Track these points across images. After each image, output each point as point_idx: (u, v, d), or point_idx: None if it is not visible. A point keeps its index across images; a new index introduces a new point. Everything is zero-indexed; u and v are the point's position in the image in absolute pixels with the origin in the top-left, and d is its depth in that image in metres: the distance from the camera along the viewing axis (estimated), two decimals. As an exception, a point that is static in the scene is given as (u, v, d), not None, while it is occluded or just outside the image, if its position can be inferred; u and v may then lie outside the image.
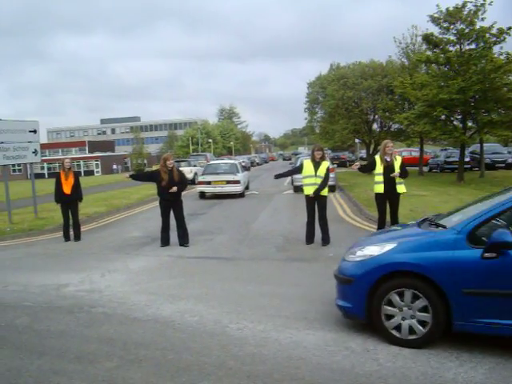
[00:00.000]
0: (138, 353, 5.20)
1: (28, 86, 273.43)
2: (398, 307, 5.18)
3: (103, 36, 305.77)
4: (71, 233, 12.87)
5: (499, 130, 24.27)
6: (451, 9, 23.87)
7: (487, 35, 23.08)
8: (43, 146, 30.20)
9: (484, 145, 29.32)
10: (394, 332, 5.22)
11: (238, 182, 22.80)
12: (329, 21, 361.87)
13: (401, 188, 10.19)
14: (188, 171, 30.14)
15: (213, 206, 19.01)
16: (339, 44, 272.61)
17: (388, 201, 10.35)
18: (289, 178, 27.29)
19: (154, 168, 28.03)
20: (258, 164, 68.13)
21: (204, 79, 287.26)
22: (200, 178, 23.93)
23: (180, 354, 5.12)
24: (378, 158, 10.36)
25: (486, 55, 22.48)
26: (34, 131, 16.61)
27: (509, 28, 22.63)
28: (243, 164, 31.37)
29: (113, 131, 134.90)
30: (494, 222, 5.11)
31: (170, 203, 11.15)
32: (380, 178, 10.21)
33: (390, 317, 5.24)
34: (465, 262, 4.88)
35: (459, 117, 25.89)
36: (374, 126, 40.95)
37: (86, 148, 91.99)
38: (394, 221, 10.28)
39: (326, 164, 10.62)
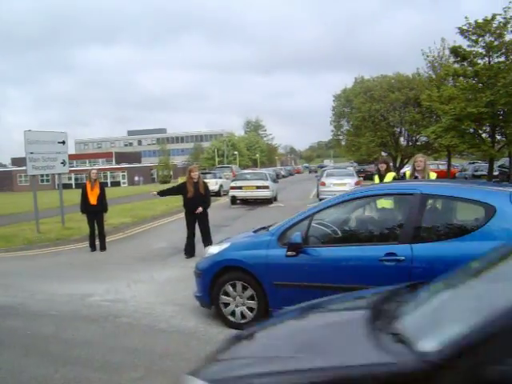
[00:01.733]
0: (163, 363, 5.19)
1: (55, 97, 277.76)
2: (232, 296, 6.28)
3: (129, 47, 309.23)
4: (97, 243, 12.97)
5: (528, 143, 23.93)
6: (480, 21, 23.66)
7: (516, 48, 22.85)
8: (71, 157, 30.54)
9: (513, 159, 28.91)
10: (230, 317, 6.32)
11: (267, 187, 23.89)
12: (355, 33, 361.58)
13: None
14: (214, 183, 30.33)
15: (237, 219, 18.99)
16: (365, 56, 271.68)
17: None
18: (315, 190, 27.34)
19: (180, 180, 28.19)
20: (283, 176, 68.08)
21: (230, 91, 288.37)
22: (232, 184, 25.24)
23: (204, 366, 5.09)
24: (408, 173, 9.97)
25: (514, 68, 22.22)
26: (63, 142, 16.83)
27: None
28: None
29: (139, 143, 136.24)
30: (316, 225, 6.03)
31: (196, 215, 11.18)
32: None
33: (226, 304, 6.33)
34: (274, 259, 5.90)
35: (487, 130, 25.57)
36: (401, 140, 40.67)
37: (113, 159, 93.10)
38: None
39: (390, 175, 10.49)
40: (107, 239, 13.41)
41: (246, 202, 24.80)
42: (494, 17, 23.31)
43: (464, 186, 6.00)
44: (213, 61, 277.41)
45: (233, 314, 6.30)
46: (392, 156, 41.45)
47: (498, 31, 23.24)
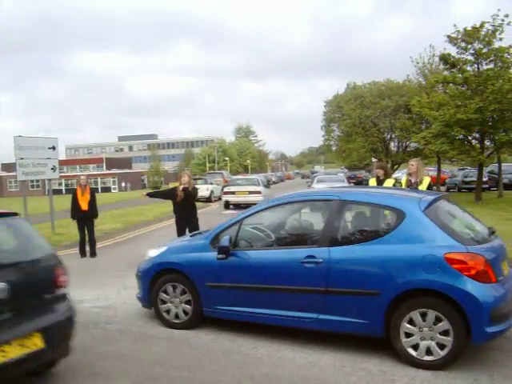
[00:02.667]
0: (154, 370, 5.19)
1: (45, 103, 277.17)
2: (171, 296, 6.57)
3: (120, 53, 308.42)
4: (87, 249, 12.91)
5: (517, 149, 24.07)
6: (469, 29, 23.83)
7: (505, 55, 23.02)
8: (61, 163, 30.38)
9: (502, 164, 29.09)
10: (165, 314, 6.63)
11: (259, 192, 24.89)
12: (346, 39, 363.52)
13: None
14: (204, 189, 30.37)
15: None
16: (357, 62, 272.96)
17: None
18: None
19: (171, 185, 28.26)
20: (274, 182, 68.12)
21: (221, 97, 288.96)
22: (225, 189, 26.20)
23: (195, 373, 5.10)
24: (404, 178, 9.88)
25: (503, 75, 22.36)
26: (53, 148, 16.79)
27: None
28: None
29: (130, 148, 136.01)
30: (247, 229, 6.46)
31: (186, 221, 11.14)
32: None
33: (163, 302, 6.63)
34: (207, 261, 6.29)
35: (477, 136, 25.71)
36: (391, 146, 40.84)
37: (104, 165, 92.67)
38: None
39: (389, 182, 9.67)
40: (98, 245, 13.37)
41: (239, 206, 24.91)
42: (482, 24, 23.48)
43: (380, 193, 6.38)
44: (204, 67, 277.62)
45: (168, 312, 6.61)
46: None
47: (486, 38, 23.42)
